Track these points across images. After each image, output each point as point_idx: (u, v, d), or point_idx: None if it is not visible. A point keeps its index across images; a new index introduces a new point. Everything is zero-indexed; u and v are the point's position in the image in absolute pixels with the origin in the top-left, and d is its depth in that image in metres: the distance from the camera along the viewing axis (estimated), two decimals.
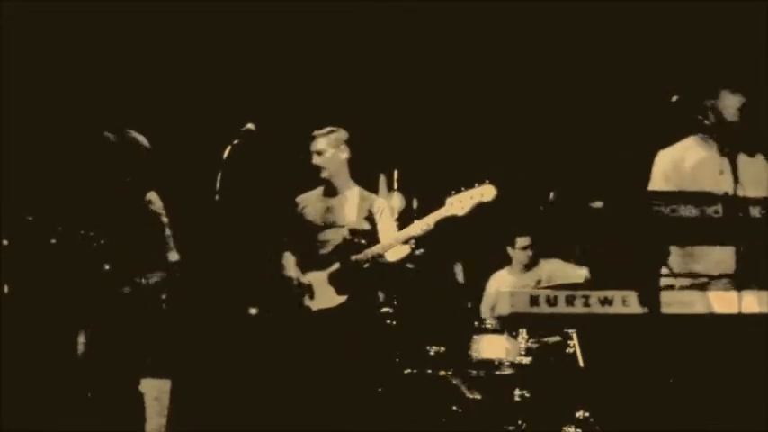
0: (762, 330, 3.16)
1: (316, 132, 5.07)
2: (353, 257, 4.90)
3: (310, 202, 5.17)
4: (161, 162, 5.31)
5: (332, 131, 5.09)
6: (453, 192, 4.75)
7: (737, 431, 3.42)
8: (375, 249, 4.88)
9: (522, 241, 6.52)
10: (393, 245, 4.85)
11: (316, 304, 4.94)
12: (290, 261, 5.13)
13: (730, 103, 4.09)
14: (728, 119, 4.07)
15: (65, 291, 5.05)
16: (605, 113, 6.46)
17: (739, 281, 3.07)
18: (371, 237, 4.98)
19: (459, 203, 4.73)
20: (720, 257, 3.78)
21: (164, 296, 5.03)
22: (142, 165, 5.09)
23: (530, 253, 6.50)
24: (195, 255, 5.28)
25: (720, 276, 3.50)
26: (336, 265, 4.93)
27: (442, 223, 4.75)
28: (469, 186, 4.74)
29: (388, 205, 5.22)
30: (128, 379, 4.97)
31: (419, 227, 4.77)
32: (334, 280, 4.93)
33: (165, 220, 5.08)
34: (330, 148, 5.06)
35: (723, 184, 3.47)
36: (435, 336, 5.77)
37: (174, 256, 5.08)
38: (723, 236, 3.12)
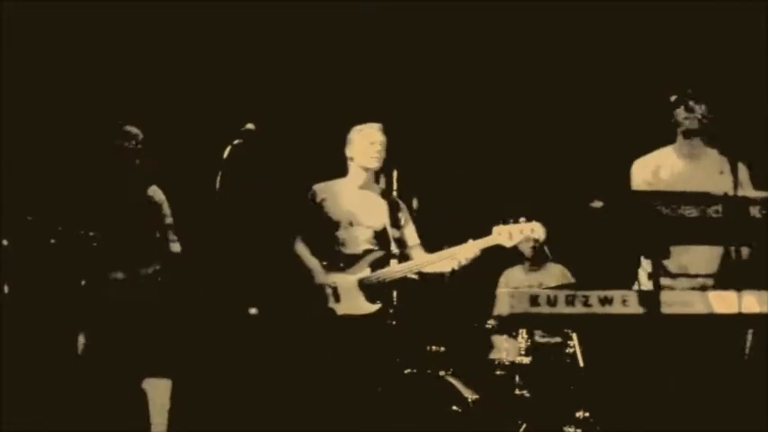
0: (762, 330, 3.17)
1: (376, 125, 4.94)
2: (385, 274, 4.76)
3: (332, 194, 4.98)
4: (161, 162, 5.32)
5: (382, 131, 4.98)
6: (501, 221, 4.63)
7: (737, 431, 3.42)
8: (413, 265, 4.76)
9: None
10: (433, 262, 4.74)
11: (342, 309, 4.75)
12: (306, 253, 4.92)
13: (683, 112, 4.16)
14: (687, 126, 4.14)
15: (65, 291, 5.06)
16: (605, 113, 6.46)
17: (736, 281, 3.06)
18: (401, 244, 4.86)
19: (507, 234, 4.61)
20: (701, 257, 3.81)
21: (160, 287, 5.06)
22: (140, 159, 5.13)
23: (533, 244, 6.45)
24: (195, 254, 5.29)
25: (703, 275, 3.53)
26: (367, 272, 4.77)
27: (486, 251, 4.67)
28: (516, 220, 4.62)
29: (407, 209, 5.05)
30: (128, 379, 4.98)
31: (465, 252, 4.66)
32: (364, 286, 4.77)
33: (167, 211, 5.11)
34: (384, 145, 4.95)
35: (722, 185, 3.48)
36: (435, 336, 5.77)
37: (176, 247, 5.11)
38: (723, 236, 3.12)
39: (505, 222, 4.63)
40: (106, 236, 4.97)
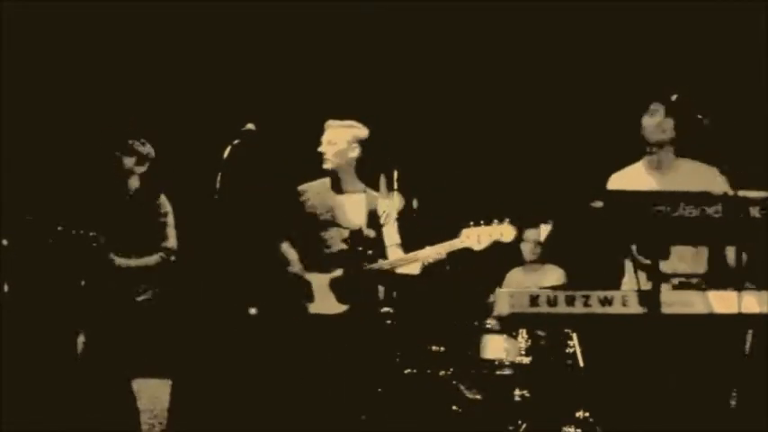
0: (762, 330, 3.16)
1: (332, 122, 4.88)
2: (357, 273, 4.70)
3: (313, 194, 4.96)
4: (161, 162, 5.33)
5: (351, 126, 4.89)
6: (472, 223, 4.54)
7: (737, 431, 3.42)
8: (381, 265, 4.71)
9: (531, 234, 6.49)
10: (400, 264, 4.69)
11: (314, 308, 4.75)
12: (291, 253, 4.90)
13: (648, 124, 4.16)
14: (653, 138, 4.14)
15: (64, 291, 5.06)
16: (605, 113, 6.46)
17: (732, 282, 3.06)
18: (376, 244, 4.79)
19: (476, 237, 4.52)
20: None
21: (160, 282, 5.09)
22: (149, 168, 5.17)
23: (537, 249, 6.50)
24: (195, 254, 5.29)
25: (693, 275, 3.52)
26: (339, 272, 4.75)
27: (454, 253, 4.59)
28: (488, 221, 4.52)
29: (393, 208, 4.90)
30: (128, 379, 4.98)
31: (430, 254, 4.60)
32: (335, 286, 4.74)
33: (171, 221, 5.14)
34: (342, 142, 4.86)
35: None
36: (435, 336, 5.77)
37: (172, 242, 5.16)
38: (723, 236, 3.12)
39: (476, 224, 4.53)
40: (108, 237, 4.99)
